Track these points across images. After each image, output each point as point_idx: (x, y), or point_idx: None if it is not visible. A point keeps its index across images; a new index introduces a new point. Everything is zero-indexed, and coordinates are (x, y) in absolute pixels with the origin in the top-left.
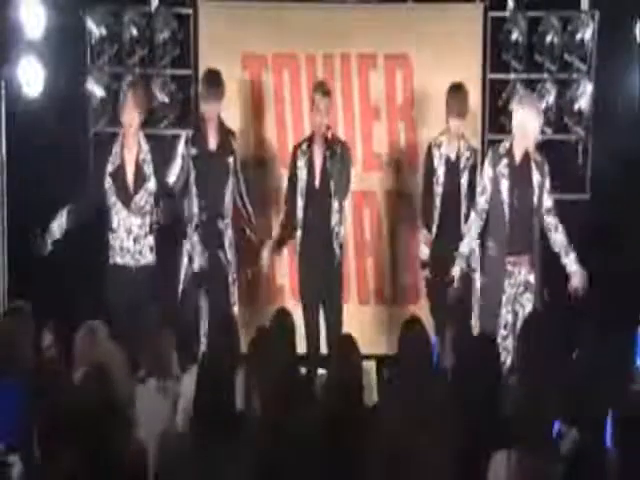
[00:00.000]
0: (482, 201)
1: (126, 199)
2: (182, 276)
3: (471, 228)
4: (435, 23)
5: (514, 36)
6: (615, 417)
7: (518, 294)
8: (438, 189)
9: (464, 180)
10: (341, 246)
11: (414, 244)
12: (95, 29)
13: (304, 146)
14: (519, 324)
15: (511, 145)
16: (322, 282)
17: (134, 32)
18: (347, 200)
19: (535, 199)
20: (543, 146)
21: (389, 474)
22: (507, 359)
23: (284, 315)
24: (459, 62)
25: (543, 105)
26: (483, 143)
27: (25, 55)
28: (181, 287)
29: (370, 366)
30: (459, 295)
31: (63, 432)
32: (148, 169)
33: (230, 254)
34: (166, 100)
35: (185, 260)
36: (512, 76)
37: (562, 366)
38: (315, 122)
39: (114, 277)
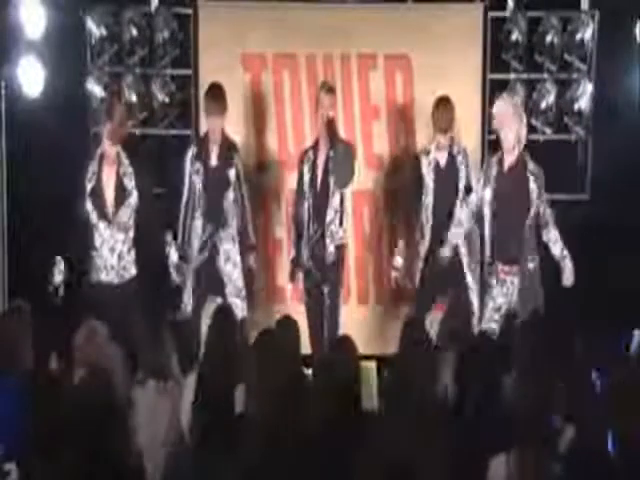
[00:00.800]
0: (473, 200)
1: (108, 216)
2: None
3: (461, 219)
4: (435, 23)
5: (514, 36)
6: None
7: (510, 302)
8: (429, 198)
9: (460, 185)
10: (338, 247)
11: (414, 243)
12: (95, 29)
13: (310, 152)
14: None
15: (502, 153)
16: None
17: (134, 32)
18: (348, 201)
19: (527, 209)
20: (543, 146)
21: (389, 475)
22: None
23: (289, 322)
24: (459, 62)
25: (543, 105)
26: (483, 143)
27: (25, 55)
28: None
29: (370, 366)
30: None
31: (62, 433)
32: (129, 183)
33: (229, 267)
34: (166, 100)
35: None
36: (512, 76)
37: (562, 366)
38: (321, 118)
39: (99, 295)
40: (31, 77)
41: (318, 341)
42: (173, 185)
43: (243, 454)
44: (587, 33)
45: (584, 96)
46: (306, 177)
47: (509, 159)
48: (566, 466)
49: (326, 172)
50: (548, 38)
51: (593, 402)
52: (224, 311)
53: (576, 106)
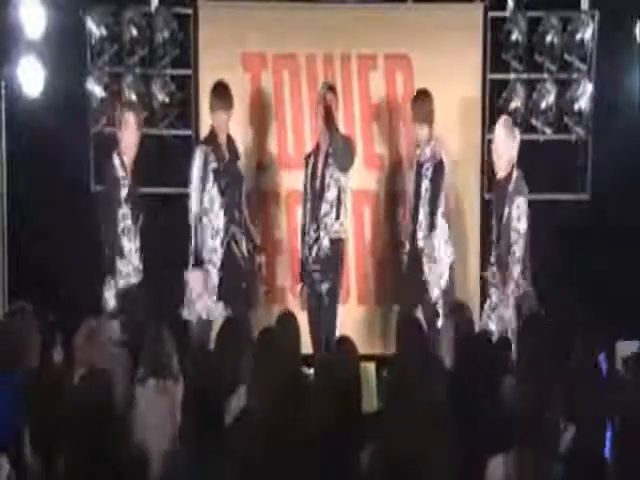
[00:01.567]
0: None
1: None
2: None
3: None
4: (435, 23)
5: (514, 36)
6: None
7: (503, 306)
8: (408, 194)
9: (424, 186)
10: (334, 241)
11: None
12: (95, 29)
13: (312, 155)
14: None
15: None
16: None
17: (134, 32)
18: (348, 197)
19: (510, 220)
20: (543, 146)
21: (388, 475)
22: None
23: (289, 318)
24: (459, 62)
25: (543, 105)
26: (483, 143)
27: (25, 55)
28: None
29: (369, 367)
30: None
31: (63, 433)
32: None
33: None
34: (166, 100)
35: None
36: (512, 76)
37: (562, 366)
38: (320, 113)
39: (130, 298)
40: (31, 77)
41: (318, 340)
42: (180, 185)
43: (241, 454)
44: (587, 33)
45: (584, 96)
46: (308, 178)
47: (499, 174)
48: (566, 466)
49: (324, 166)
50: (548, 38)
51: (593, 402)
52: (232, 323)
53: (576, 106)
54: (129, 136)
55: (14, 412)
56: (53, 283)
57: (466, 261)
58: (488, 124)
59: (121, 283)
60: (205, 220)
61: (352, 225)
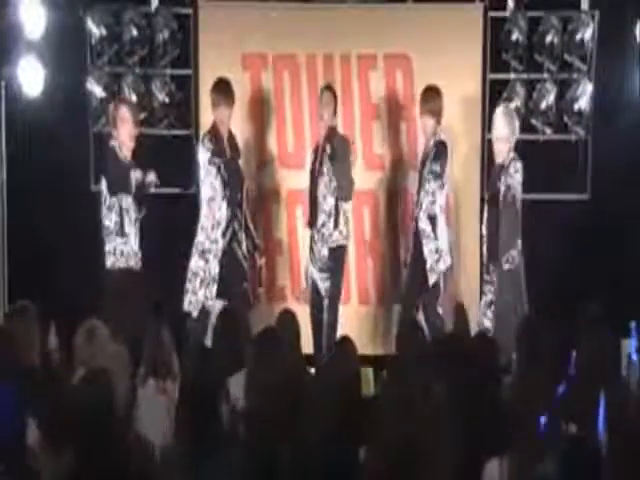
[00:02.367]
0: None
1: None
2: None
3: None
4: (435, 23)
5: (514, 36)
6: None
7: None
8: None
9: (427, 168)
10: (334, 249)
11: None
12: (95, 29)
13: (312, 155)
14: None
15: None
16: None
17: (134, 32)
18: (347, 204)
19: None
20: (543, 146)
21: (388, 475)
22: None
23: (289, 316)
24: (459, 62)
25: (543, 105)
26: (483, 143)
27: (25, 55)
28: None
29: (367, 371)
30: None
31: (63, 433)
32: None
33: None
34: (166, 100)
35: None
36: (512, 76)
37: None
38: (321, 116)
39: (120, 280)
40: (31, 77)
41: (318, 341)
42: (183, 184)
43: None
44: (587, 33)
45: (584, 96)
46: (309, 184)
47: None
48: (565, 466)
49: (321, 175)
50: (548, 38)
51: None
52: (228, 313)
53: (576, 106)
54: (125, 132)
55: (13, 413)
56: (53, 282)
57: (466, 261)
58: (488, 124)
59: (121, 262)
60: (206, 209)
61: (352, 225)
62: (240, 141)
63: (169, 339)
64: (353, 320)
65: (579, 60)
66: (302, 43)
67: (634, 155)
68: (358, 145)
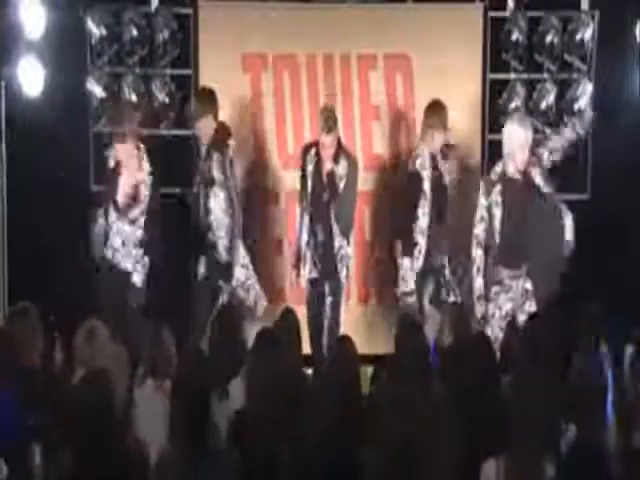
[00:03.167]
0: (480, 232)
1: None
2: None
3: (476, 264)
4: (435, 23)
5: (514, 36)
6: None
7: (517, 305)
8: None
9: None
10: (342, 258)
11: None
12: (95, 29)
13: (312, 152)
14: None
15: (503, 169)
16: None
17: (134, 32)
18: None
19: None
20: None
21: (388, 475)
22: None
23: (289, 317)
24: (459, 62)
25: (543, 105)
26: (483, 143)
27: (25, 55)
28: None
29: (366, 370)
30: None
31: (62, 433)
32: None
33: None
34: (166, 100)
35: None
36: (512, 76)
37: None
38: (324, 142)
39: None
40: (31, 77)
41: (318, 340)
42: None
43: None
44: (587, 33)
45: (584, 96)
46: (309, 183)
47: (513, 176)
48: (566, 466)
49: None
50: (548, 38)
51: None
52: (228, 311)
53: (576, 106)
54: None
55: (13, 414)
56: (53, 283)
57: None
58: (488, 124)
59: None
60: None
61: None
62: (240, 141)
63: (169, 339)
64: (352, 319)
65: (579, 60)
66: (302, 43)
67: (634, 155)
68: (358, 145)
